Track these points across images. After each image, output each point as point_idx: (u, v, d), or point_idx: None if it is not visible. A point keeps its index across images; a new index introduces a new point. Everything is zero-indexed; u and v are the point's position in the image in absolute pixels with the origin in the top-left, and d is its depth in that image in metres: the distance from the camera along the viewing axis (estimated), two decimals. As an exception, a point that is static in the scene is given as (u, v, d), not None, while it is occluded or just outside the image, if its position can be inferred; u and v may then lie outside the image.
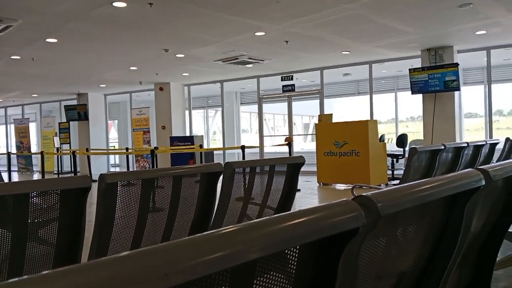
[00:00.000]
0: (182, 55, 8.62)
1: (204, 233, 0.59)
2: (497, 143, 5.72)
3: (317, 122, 9.04)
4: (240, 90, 15.25)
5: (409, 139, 9.76)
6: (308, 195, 7.54)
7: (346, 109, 19.29)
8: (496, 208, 1.72)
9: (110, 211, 1.60)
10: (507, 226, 1.80)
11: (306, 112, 16.17)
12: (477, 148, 4.83)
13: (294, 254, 0.76)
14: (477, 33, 7.57)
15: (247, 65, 9.72)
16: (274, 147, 12.62)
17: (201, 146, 9.46)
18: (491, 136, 8.89)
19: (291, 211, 0.74)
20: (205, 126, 16.63)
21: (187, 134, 12.90)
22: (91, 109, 14.28)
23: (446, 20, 6.71)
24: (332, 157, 8.28)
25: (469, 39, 8.09)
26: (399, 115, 15.61)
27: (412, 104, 11.42)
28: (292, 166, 2.49)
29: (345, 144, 8.09)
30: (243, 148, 7.55)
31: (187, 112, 13.21)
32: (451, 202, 1.25)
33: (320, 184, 8.62)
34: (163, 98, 12.54)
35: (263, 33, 6.99)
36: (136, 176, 1.67)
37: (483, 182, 1.26)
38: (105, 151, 13.38)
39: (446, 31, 7.44)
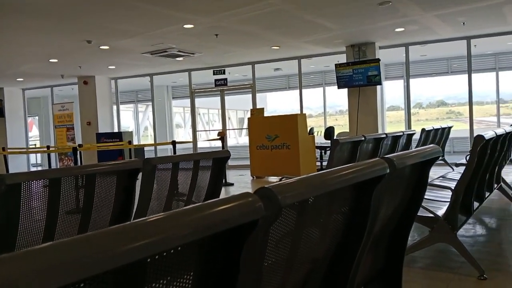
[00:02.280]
0: (106, 47, 8.22)
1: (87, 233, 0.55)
2: (414, 134, 6.15)
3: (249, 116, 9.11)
4: (172, 84, 14.92)
5: (337, 132, 10.19)
6: (241, 188, 7.59)
7: (279, 103, 19.66)
8: (405, 193, 1.83)
9: (13, 215, 1.47)
10: (416, 209, 1.93)
11: (241, 106, 16.24)
12: (396, 138, 5.15)
13: (192, 249, 0.74)
14: (396, 30, 8.05)
15: (177, 58, 9.52)
16: (208, 141, 12.54)
17: (130, 142, 9.12)
18: (410, 128, 9.53)
19: (188, 206, 0.72)
20: (135, 122, 16.06)
21: (115, 130, 12.37)
22: (8, 105, 13.17)
23: (368, 17, 7.06)
24: (264, 150, 8.39)
25: (389, 36, 8.58)
26: (327, 108, 16.24)
27: (340, 98, 11.91)
28: (218, 160, 2.47)
29: (276, 137, 8.24)
30: (174, 143, 7.39)
31: (114, 107, 12.66)
32: (359, 190, 1.31)
33: (253, 177, 8.71)
34: (88, 93, 11.89)
35: (191, 26, 6.87)
36: (41, 176, 1.54)
37: (388, 170, 1.33)
38: (24, 150, 12.41)
39: (368, 28, 7.82)
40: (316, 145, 8.73)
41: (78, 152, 6.98)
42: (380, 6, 6.27)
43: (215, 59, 10.06)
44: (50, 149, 10.27)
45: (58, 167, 12.05)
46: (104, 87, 12.20)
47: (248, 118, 8.73)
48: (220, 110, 11.74)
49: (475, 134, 3.66)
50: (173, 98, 15.47)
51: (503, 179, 5.69)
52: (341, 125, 12.94)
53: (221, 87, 10.81)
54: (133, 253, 0.57)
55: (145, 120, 16.75)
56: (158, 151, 12.69)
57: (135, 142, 12.76)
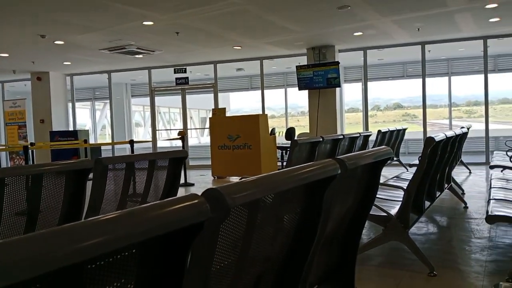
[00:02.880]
0: (61, 42, 7.90)
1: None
2: (370, 135, 6.34)
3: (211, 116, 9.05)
4: (131, 82, 14.58)
5: (298, 132, 10.32)
6: (201, 189, 7.47)
7: (242, 103, 19.66)
8: (358, 193, 1.87)
9: None
10: (368, 209, 1.97)
11: (203, 105, 16.10)
12: (353, 139, 5.27)
13: (134, 251, 0.72)
14: (355, 34, 8.26)
15: (137, 56, 9.30)
16: (169, 141, 12.34)
17: (86, 141, 8.81)
18: (367, 129, 9.81)
19: (130, 208, 0.69)
20: (92, 120, 15.55)
21: (71, 128, 11.92)
22: (-47, 100, 12.39)
23: (327, 21, 7.19)
24: (226, 150, 8.36)
25: (348, 40, 8.79)
26: (290, 109, 16.42)
27: (302, 99, 12.08)
28: (174, 160, 2.42)
29: (238, 137, 8.23)
30: (131, 142, 7.22)
31: (70, 105, 12.19)
32: (311, 190, 1.32)
33: (215, 177, 8.66)
34: (42, 89, 11.38)
35: (151, 23, 6.73)
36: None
37: (339, 171, 1.35)
38: (-29, 149, 11.71)
39: (328, 31, 7.97)
40: (277, 145, 8.80)
41: (29, 151, 6.66)
42: (339, 10, 6.40)
43: (176, 57, 9.92)
44: (0, 147, 9.75)
45: (10, 166, 11.46)
46: (59, 84, 11.73)
47: (210, 118, 8.67)
48: (181, 109, 11.58)
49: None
50: (132, 96, 15.11)
51: (453, 179, 5.97)
52: (303, 126, 13.12)
53: (182, 86, 10.68)
54: (67, 257, 0.54)
55: (103, 119, 16.26)
56: (117, 151, 12.36)
57: (91, 141, 12.35)
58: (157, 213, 0.67)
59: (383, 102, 19.03)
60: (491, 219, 2.88)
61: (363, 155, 1.61)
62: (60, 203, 1.82)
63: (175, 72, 10.52)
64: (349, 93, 14.56)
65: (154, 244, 0.74)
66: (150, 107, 11.61)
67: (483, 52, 8.99)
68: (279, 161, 9.07)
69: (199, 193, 0.76)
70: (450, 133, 3.70)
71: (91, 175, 2.09)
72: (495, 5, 6.48)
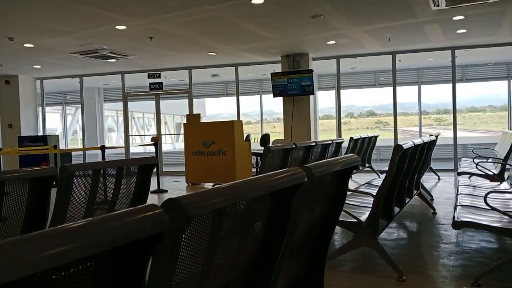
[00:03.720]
0: (31, 45, 7.70)
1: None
2: (342, 142, 6.44)
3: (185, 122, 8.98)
4: (104, 86, 14.32)
5: (273, 138, 10.37)
6: (174, 195, 7.42)
7: (219, 109, 19.60)
8: (326, 200, 1.89)
9: None
10: (337, 216, 1.99)
11: (178, 111, 15.98)
12: (325, 146, 5.34)
13: (93, 263, 0.70)
14: (328, 42, 8.39)
15: (109, 60, 9.16)
16: (143, 147, 12.16)
17: (55, 146, 8.58)
18: (340, 136, 9.96)
19: (91, 218, 0.68)
20: (63, 125, 15.18)
21: (40, 133, 11.59)
22: None
23: (301, 29, 7.29)
24: (200, 156, 8.31)
25: (321, 48, 8.93)
26: (266, 116, 16.49)
27: (277, 106, 12.17)
28: (144, 167, 2.39)
29: (212, 143, 8.19)
30: (102, 148, 7.07)
31: (40, 109, 11.86)
32: (278, 198, 1.32)
33: (188, 184, 8.58)
34: (10, 93, 11.04)
35: (124, 27, 6.65)
36: None
37: (306, 179, 1.36)
38: None
39: (301, 39, 8.08)
40: (252, 151, 8.81)
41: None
42: (312, 18, 6.50)
43: (150, 62, 9.83)
44: (-36, 153, 9.36)
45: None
46: (28, 88, 11.41)
47: (184, 124, 8.61)
48: (155, 115, 11.45)
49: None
50: (105, 101, 14.84)
51: (422, 185, 6.11)
52: (278, 132, 13.20)
53: (156, 91, 10.57)
54: (16, 271, 0.52)
55: (74, 123, 15.89)
56: (88, 157, 12.09)
57: (62, 147, 12.04)
58: (113, 225, 0.65)
59: (356, 109, 19.38)
60: (457, 225, 2.96)
61: (330, 163, 1.63)
62: (23, 212, 1.76)
63: (149, 77, 10.41)
64: (323, 101, 14.77)
65: (111, 256, 0.73)
66: (123, 112, 11.43)
67: (451, 62, 9.30)
68: (254, 168, 9.08)
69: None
70: (418, 141, 3.80)
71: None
72: (462, 17, 6.72)
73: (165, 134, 17.00)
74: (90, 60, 9.03)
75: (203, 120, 16.76)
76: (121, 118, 15.47)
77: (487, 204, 2.95)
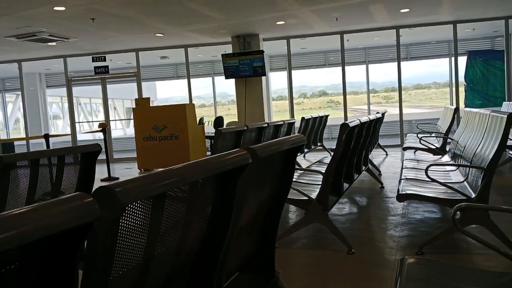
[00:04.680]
0: (-41, 28, 7.10)
1: None
2: (294, 122, 6.53)
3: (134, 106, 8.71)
4: (45, 71, 13.55)
5: (227, 121, 10.33)
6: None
7: (171, 92, 19.17)
8: (274, 180, 1.91)
9: None
10: (285, 195, 2.02)
11: (128, 95, 15.45)
12: (277, 127, 5.39)
13: (20, 255, 0.67)
14: (277, 23, 8.38)
15: (49, 43, 8.64)
16: (92, 134, 11.70)
17: (-5, 137, 8.05)
18: (293, 116, 10.07)
19: (13, 210, 0.63)
20: (4, 114, 14.27)
21: (-23, 123, 10.84)
22: None
23: (249, 9, 7.21)
24: (152, 141, 8.12)
25: (271, 29, 8.90)
26: (220, 98, 16.33)
27: (231, 88, 12.08)
28: (86, 155, 2.29)
29: (164, 128, 8.03)
30: (46, 137, 6.73)
31: (-25, 97, 11.06)
32: (223, 180, 1.31)
33: (141, 170, 8.40)
34: None
35: (63, 8, 6.27)
36: None
37: (250, 160, 1.36)
38: None
39: (251, 19, 8.01)
40: (206, 135, 8.73)
41: None
42: (261, -2, 6.44)
43: (94, 45, 9.38)
44: None
45: None
46: (-40, 74, 10.57)
47: (133, 109, 8.35)
48: (102, 100, 11.02)
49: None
50: (47, 86, 14.06)
51: (371, 161, 6.35)
52: (233, 115, 13.15)
53: (102, 75, 10.14)
54: None
55: (16, 112, 14.98)
56: (33, 146, 11.47)
57: (3, 136, 11.34)
58: (38, 215, 0.62)
59: (309, 89, 19.67)
60: (401, 197, 3.11)
61: (275, 144, 1.63)
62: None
63: (93, 61, 9.95)
64: (277, 82, 14.85)
65: (39, 247, 0.69)
66: (67, 98, 10.89)
67: (396, 41, 9.61)
68: (209, 151, 9.02)
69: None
70: (364, 119, 3.92)
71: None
72: (404, -3, 6.93)
73: (114, 120, 16.45)
74: (28, 43, 8.47)
75: (154, 104, 16.40)
76: (66, 105, 14.75)
77: (428, 176, 3.12)
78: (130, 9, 6.64)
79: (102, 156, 8.34)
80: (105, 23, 7.43)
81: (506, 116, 2.90)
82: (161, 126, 7.92)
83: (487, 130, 3.39)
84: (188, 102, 9.93)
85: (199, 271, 1.36)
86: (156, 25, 7.94)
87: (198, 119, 8.72)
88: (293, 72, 10.30)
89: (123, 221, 0.84)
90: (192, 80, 10.56)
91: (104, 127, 7.63)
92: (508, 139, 6.18)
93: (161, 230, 1.06)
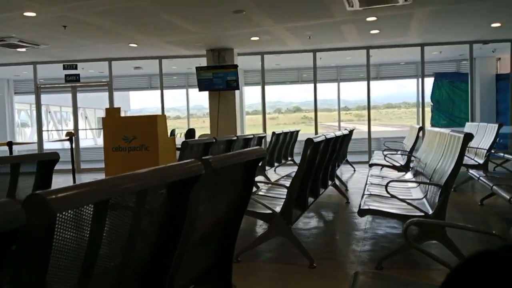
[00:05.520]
0: None
1: None
2: (264, 136, 6.58)
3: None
4: (14, 78, 13.19)
5: (200, 133, 10.29)
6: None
7: (145, 103, 18.96)
8: (233, 192, 1.92)
9: None
10: (244, 207, 2.03)
11: (100, 105, 15.20)
12: (247, 140, 5.41)
13: None
14: (252, 38, 8.49)
15: (19, 49, 8.44)
16: (61, 142, 11.41)
17: (-45, 143, 7.72)
18: (265, 131, 10.14)
19: None
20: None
21: None
22: None
23: (224, 24, 7.28)
24: (121, 152, 7.97)
25: (246, 44, 9.00)
26: (195, 110, 16.28)
27: (207, 100, 12.07)
28: (44, 164, 2.24)
29: (134, 138, 7.91)
30: (10, 144, 6.52)
31: None
32: (175, 190, 1.31)
33: (108, 181, 8.22)
34: None
35: (33, 14, 6.16)
36: None
37: (204, 171, 1.37)
38: None
39: (226, 34, 8.08)
40: (177, 146, 8.65)
41: None
42: (235, 14, 6.52)
43: (65, 52, 9.22)
44: None
45: None
46: None
47: (103, 118, 8.21)
48: (80, 108, 10.79)
49: (310, 137, 4.03)
50: (15, 93, 13.68)
51: (338, 176, 6.45)
52: (208, 127, 13.15)
53: (73, 83, 9.96)
54: None
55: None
56: (-4, 153, 11.07)
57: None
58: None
59: (284, 105, 19.91)
60: (362, 212, 3.17)
61: (232, 156, 1.65)
62: None
63: (64, 68, 9.77)
64: (253, 96, 14.98)
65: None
66: (35, 106, 10.62)
67: (366, 61, 9.88)
68: (179, 163, 8.92)
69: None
70: (330, 135, 3.99)
71: None
72: (374, 18, 7.16)
73: (84, 129, 16.11)
74: (-5, 48, 8.26)
75: (128, 114, 16.18)
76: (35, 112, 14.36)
77: (388, 192, 3.19)
78: (104, 19, 6.60)
79: (68, 166, 8.13)
80: (78, 31, 7.34)
81: (462, 135, 3.03)
82: (131, 137, 7.81)
83: (446, 148, 3.52)
84: (157, 113, 9.85)
85: (148, 285, 1.34)
86: (130, 35, 7.90)
87: (170, 131, 8.65)
88: (268, 87, 10.42)
89: (58, 229, 0.83)
90: (167, 91, 10.52)
91: (72, 136, 7.46)
92: (470, 159, 6.40)
93: (103, 240, 1.05)
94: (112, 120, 8.12)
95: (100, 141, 15.73)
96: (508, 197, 3.46)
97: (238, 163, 1.73)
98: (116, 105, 10.12)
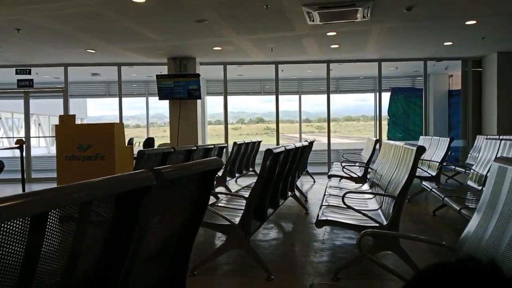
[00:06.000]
0: None
1: None
2: (225, 147, 6.55)
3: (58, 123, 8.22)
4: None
5: (159, 142, 10.09)
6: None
7: (104, 110, 18.42)
8: (188, 203, 1.86)
9: None
10: (200, 219, 1.98)
11: (55, 112, 14.61)
12: (207, 150, 5.35)
13: None
14: (215, 48, 8.47)
15: (-33, 51, 7.99)
16: (11, 151, 10.84)
17: None
18: (227, 141, 10.10)
19: None
20: None
21: None
22: None
23: (186, 33, 7.23)
24: (75, 161, 7.66)
25: (208, 53, 8.97)
26: (156, 119, 15.96)
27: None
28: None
29: (89, 147, 7.63)
30: (-48, 152, 6.11)
31: None
32: (123, 201, 1.25)
33: (61, 191, 7.86)
34: None
35: (-17, 15, 5.86)
36: None
37: (155, 182, 1.32)
38: None
39: (188, 43, 8.02)
40: (135, 156, 8.43)
41: None
42: (197, 23, 6.49)
43: (18, 56, 8.82)
44: None
45: None
46: None
47: (56, 126, 7.88)
48: (33, 115, 10.31)
49: (270, 148, 4.03)
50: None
51: (298, 187, 6.50)
52: (168, 136, 12.94)
53: (25, 88, 9.52)
54: None
55: None
56: None
57: None
58: None
59: (247, 115, 19.97)
60: (319, 223, 3.19)
61: (187, 166, 1.61)
62: None
63: (17, 73, 9.33)
64: (216, 106, 14.88)
65: None
66: (-16, 111, 10.04)
67: (327, 74, 10.11)
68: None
69: None
70: (290, 146, 4.02)
71: None
72: (334, 33, 7.35)
73: (35, 137, 15.41)
74: None
75: (85, 122, 15.62)
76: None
77: (344, 203, 3.24)
78: (60, 23, 6.37)
79: (18, 175, 7.71)
80: (32, 35, 7.04)
81: (415, 148, 3.13)
82: (86, 145, 7.53)
83: (400, 161, 3.62)
84: (115, 121, 9.59)
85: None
86: (88, 41, 7.66)
87: (128, 140, 8.42)
88: (231, 97, 10.41)
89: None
90: (127, 99, 10.27)
91: (22, 144, 7.10)
92: (423, 171, 6.64)
93: (41, 257, 0.98)
94: (66, 128, 7.82)
95: (53, 149, 15.10)
96: (458, 208, 3.60)
97: (193, 174, 1.69)
98: (72, 112, 9.76)
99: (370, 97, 13.68)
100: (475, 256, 0.55)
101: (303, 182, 8.62)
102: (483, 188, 1.94)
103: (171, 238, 1.85)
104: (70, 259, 1.11)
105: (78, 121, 13.72)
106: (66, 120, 7.87)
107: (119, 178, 1.18)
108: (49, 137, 16.10)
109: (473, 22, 6.71)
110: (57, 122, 8.08)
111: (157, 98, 9.39)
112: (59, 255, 1.06)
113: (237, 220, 3.31)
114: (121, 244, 1.28)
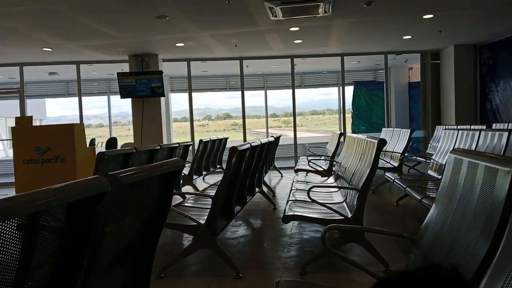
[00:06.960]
0: None
1: None
2: (190, 145, 6.45)
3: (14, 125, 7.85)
4: None
5: (122, 142, 9.84)
6: None
7: (64, 110, 17.77)
8: (149, 206, 1.81)
9: None
10: (162, 222, 1.93)
11: (12, 113, 13.95)
12: (172, 149, 5.26)
13: None
14: (177, 44, 8.32)
15: None
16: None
17: None
18: (193, 139, 9.99)
19: None
20: None
21: None
22: None
23: (147, 29, 7.06)
24: (34, 165, 7.36)
25: (171, 50, 8.81)
26: (119, 118, 15.56)
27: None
28: None
29: (48, 149, 7.34)
30: None
31: None
32: (76, 209, 1.19)
33: (20, 196, 7.53)
34: None
35: None
36: None
37: (110, 188, 1.26)
38: None
39: (149, 39, 7.83)
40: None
41: None
42: (158, 19, 6.34)
43: (-32, 56, 8.35)
44: None
45: None
46: None
47: (12, 128, 7.53)
48: None
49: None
50: None
51: (265, 183, 6.51)
52: (133, 135, 12.64)
53: (-23, 90, 9.04)
54: None
55: None
56: None
57: None
58: None
59: (214, 112, 19.82)
60: (286, 218, 3.20)
61: (144, 169, 1.55)
62: None
63: (-33, 73, 8.83)
64: (181, 103, 14.69)
65: None
66: None
67: (291, 69, 10.16)
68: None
69: None
70: (255, 142, 4.00)
71: None
72: (297, 28, 7.38)
73: (-6, 140, 14.72)
74: None
75: (44, 123, 15.02)
76: None
77: (309, 197, 3.26)
78: (13, 21, 6.06)
79: (-29, 181, 7.30)
80: (-19, 33, 6.68)
81: (377, 141, 3.18)
82: (45, 148, 7.24)
83: (363, 153, 3.68)
84: (84, 121, 9.28)
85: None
86: (44, 39, 7.34)
87: (89, 140, 8.16)
88: (196, 94, 10.28)
89: None
90: (87, 98, 9.93)
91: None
92: (386, 162, 6.80)
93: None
94: (23, 130, 7.49)
95: (12, 153, 14.45)
96: (419, 198, 3.71)
97: (152, 177, 1.64)
98: (30, 113, 9.35)
99: (334, 91, 13.89)
100: (437, 263, 0.55)
101: (271, 177, 8.66)
102: (442, 178, 2.00)
103: (132, 243, 1.79)
104: (18, 273, 1.05)
105: (37, 122, 13.25)
106: (23, 121, 7.55)
107: (70, 186, 1.12)
108: (7, 140, 15.40)
109: (430, 16, 6.91)
110: (14, 124, 7.73)
111: (119, 96, 9.15)
112: (5, 270, 1.00)
113: (203, 219, 3.27)
114: (75, 255, 1.23)
